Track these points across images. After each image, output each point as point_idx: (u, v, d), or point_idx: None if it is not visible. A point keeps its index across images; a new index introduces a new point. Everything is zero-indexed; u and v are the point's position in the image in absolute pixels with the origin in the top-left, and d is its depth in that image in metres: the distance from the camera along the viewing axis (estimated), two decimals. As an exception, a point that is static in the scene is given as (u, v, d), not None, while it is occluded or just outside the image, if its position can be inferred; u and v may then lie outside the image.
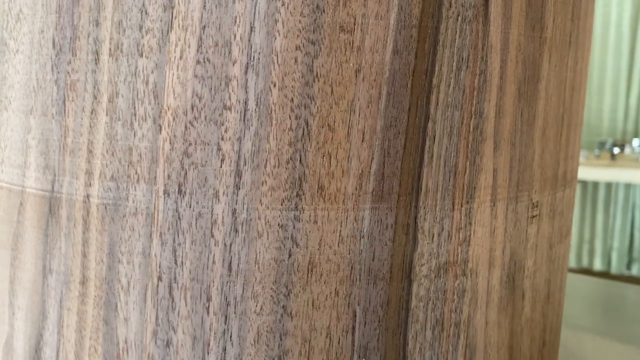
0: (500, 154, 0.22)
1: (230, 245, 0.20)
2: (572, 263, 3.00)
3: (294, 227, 0.20)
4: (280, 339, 0.21)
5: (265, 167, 0.20)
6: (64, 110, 0.21)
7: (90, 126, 0.20)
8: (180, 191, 0.20)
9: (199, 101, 0.19)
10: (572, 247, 3.03)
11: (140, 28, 0.19)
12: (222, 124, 0.19)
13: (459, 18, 0.20)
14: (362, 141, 0.20)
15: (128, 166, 0.20)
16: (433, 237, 0.22)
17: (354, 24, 0.19)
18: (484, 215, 0.22)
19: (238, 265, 0.20)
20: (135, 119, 0.20)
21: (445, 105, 0.21)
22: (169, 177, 0.20)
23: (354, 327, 0.21)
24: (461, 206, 0.22)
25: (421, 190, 0.21)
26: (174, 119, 0.20)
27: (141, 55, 0.20)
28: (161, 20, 0.19)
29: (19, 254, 0.23)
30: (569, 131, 0.26)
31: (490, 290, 0.23)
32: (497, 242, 0.23)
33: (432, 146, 0.21)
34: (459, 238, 0.22)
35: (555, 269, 0.27)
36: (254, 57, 0.19)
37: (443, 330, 0.22)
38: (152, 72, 0.20)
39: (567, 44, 0.24)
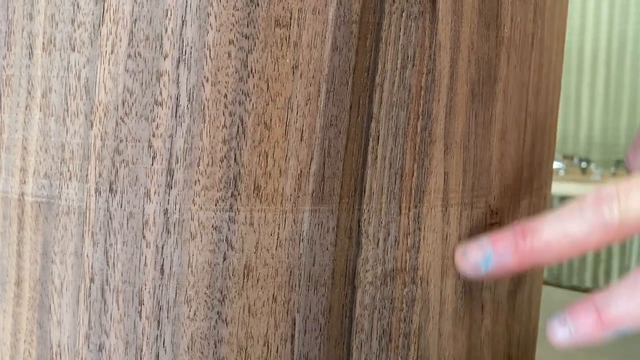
0: (451, 156, 0.21)
1: (162, 247, 0.19)
2: (588, 283, 2.94)
3: (228, 229, 0.19)
4: (215, 347, 0.20)
5: (198, 166, 0.19)
6: (0, 106, 0.20)
7: (25, 122, 0.20)
8: (111, 190, 0.19)
9: (130, 96, 0.19)
10: (588, 266, 2.97)
11: (73, 22, 0.19)
12: (154, 120, 0.19)
13: (404, 14, 0.19)
14: (301, 140, 0.19)
15: (61, 163, 0.20)
16: (378, 242, 0.21)
17: (290, 19, 0.19)
18: (435, 220, 0.21)
19: (170, 268, 0.20)
20: (68, 115, 0.19)
21: (390, 105, 0.20)
22: (100, 174, 0.19)
23: (293, 336, 0.20)
24: (409, 210, 0.21)
25: (365, 192, 0.20)
26: (105, 115, 0.19)
27: (73, 50, 0.19)
28: (93, 14, 0.19)
29: (-40, 254, 0.23)
30: (534, 137, 0.25)
31: (443, 300, 0.22)
32: (451, 250, 0.22)
33: (376, 147, 0.20)
34: (407, 244, 0.21)
35: (521, 280, 0.26)
36: (185, 51, 0.18)
37: (391, 341, 0.21)
38: (84, 66, 0.19)
39: (528, 45, 0.23)
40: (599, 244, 0.18)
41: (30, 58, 0.20)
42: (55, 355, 0.21)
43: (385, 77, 0.20)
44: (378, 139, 0.20)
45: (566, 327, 0.18)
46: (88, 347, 0.20)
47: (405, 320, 0.21)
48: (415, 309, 0.22)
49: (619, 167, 2.94)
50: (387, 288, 0.21)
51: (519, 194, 0.24)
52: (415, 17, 0.20)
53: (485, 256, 0.18)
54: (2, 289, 0.21)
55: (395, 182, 0.20)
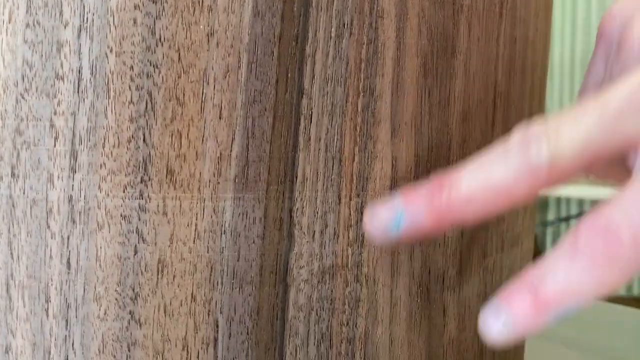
0: (400, 140, 0.19)
1: (68, 238, 0.17)
2: (622, 291, 2.84)
3: (139, 219, 0.17)
4: (129, 350, 0.18)
5: (103, 147, 0.17)
6: None
7: None
8: (13, 174, 0.17)
9: (30, 70, 0.17)
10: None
11: (-31, -12, 0.17)
12: (55, 97, 0.17)
13: (337, -25, 0.17)
14: (220, 118, 0.17)
15: (-38, 146, 0.18)
16: (314, 234, 0.18)
17: (204, -20, 0.16)
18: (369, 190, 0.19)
19: (77, 262, 0.17)
20: (-33, 92, 0.18)
21: (324, 79, 0.18)
22: (1, 158, 0.18)
23: (216, 339, 0.18)
24: (350, 199, 0.18)
25: (297, 178, 0.18)
26: (4, 92, 0.17)
27: (-30, 19, 0.17)
28: (-11, -22, 0.17)
29: None
30: (507, 120, 0.22)
31: (394, 301, 0.20)
32: (402, 245, 0.19)
33: (309, 127, 0.18)
34: (349, 237, 0.19)
35: (495, 282, 0.23)
36: (87, 18, 0.16)
37: (332, 347, 0.19)
38: (-18, 37, 0.17)
39: (495, 15, 0.21)
40: (530, 191, 0.15)
41: None
42: (-37, 357, 0.19)
43: (317, 47, 0.17)
44: (311, 118, 0.18)
45: (500, 318, 0.14)
46: (-5, 348, 0.18)
47: (348, 323, 0.19)
48: (360, 311, 0.19)
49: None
50: (326, 287, 0.19)
51: (488, 184, 0.22)
52: (347, 20, 0.17)
53: (396, 216, 0.15)
54: None
55: (332, 167, 0.18)
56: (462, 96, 0.20)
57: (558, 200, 3.05)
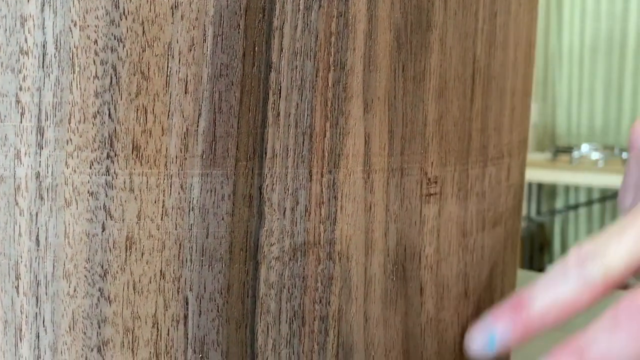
0: (373, 115, 0.18)
1: (37, 215, 0.17)
2: (630, 278, 2.82)
3: (106, 195, 0.17)
4: (99, 327, 0.18)
5: (69, 123, 0.17)
6: None
7: None
8: (-20, 150, 0.17)
9: (-6, 42, 0.17)
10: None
11: None
12: (20, 72, 0.17)
13: (305, -55, 0.17)
14: (185, 93, 0.17)
15: None
16: (285, 211, 0.18)
17: (167, -49, 0.16)
18: (355, 188, 0.19)
19: (46, 239, 0.17)
20: None
21: (293, 53, 0.17)
22: (-32, 134, 0.17)
23: (186, 317, 0.18)
24: (321, 176, 0.18)
25: (266, 154, 0.18)
26: (-30, 67, 0.17)
27: None
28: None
29: None
30: (487, 97, 0.22)
31: (369, 279, 0.19)
32: (377, 222, 0.19)
33: (278, 102, 0.17)
34: (321, 214, 0.18)
35: (476, 261, 0.23)
36: (50, -9, 0.16)
37: (304, 325, 0.19)
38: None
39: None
40: (590, 302, 0.18)
41: None
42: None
43: (286, 19, 0.17)
44: (280, 93, 0.17)
45: None
46: (-32, 326, 0.18)
47: (321, 301, 0.19)
48: (334, 289, 0.19)
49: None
50: (298, 264, 0.18)
51: (466, 161, 0.21)
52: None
53: (489, 338, 0.18)
54: None
55: (303, 142, 0.18)
56: (438, 71, 0.20)
57: (566, 188, 3.03)
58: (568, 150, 2.66)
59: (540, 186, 2.96)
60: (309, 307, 0.19)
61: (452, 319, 0.22)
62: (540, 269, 3.04)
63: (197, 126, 0.17)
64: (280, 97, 0.17)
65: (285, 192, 0.18)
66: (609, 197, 2.89)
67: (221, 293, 0.18)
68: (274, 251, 0.18)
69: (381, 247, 0.19)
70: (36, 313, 0.18)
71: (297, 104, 0.18)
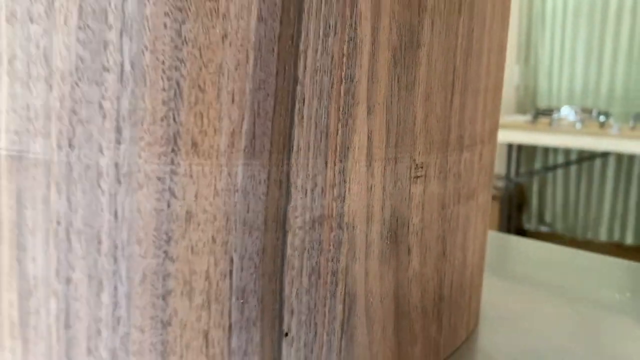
0: (374, 116, 0.24)
1: (115, 195, 0.22)
2: (603, 237, 2.95)
3: (171, 180, 0.22)
4: (164, 280, 0.23)
5: (142, 124, 0.22)
6: (-26, 71, 0.23)
7: (-5, 86, 0.23)
8: (70, 145, 0.22)
9: (82, 63, 0.21)
10: (603, 221, 2.97)
11: (30, -3, 0.21)
12: (103, 84, 0.22)
13: (324, -13, 0.22)
14: (232, 102, 0.22)
15: (27, 122, 0.23)
16: (306, 192, 0.23)
17: (219, -7, 0.21)
18: (360, 173, 0.24)
19: (123, 214, 0.23)
20: (30, 80, 0.22)
21: (314, 70, 0.22)
22: (60, 132, 0.22)
23: (231, 272, 0.23)
24: (334, 164, 0.23)
25: (292, 149, 0.23)
26: (62, 80, 0.22)
27: (32, 22, 0.22)
28: (46, -10, 0.21)
29: (-48, 200, 0.26)
30: (464, 97, 0.27)
31: (369, 243, 0.25)
32: (375, 199, 0.25)
33: (302, 108, 0.22)
34: (333, 194, 0.24)
35: (452, 228, 0.28)
36: (127, 23, 0.21)
37: (320, 278, 0.24)
38: (42, 37, 0.22)
39: (455, 12, 0.25)
40: None
41: (-4, 29, 0.22)
42: (33, 287, 0.24)
43: (309, 45, 0.22)
44: (304, 101, 0.22)
45: None
46: (58, 280, 0.24)
47: (332, 260, 0.24)
48: (342, 251, 0.24)
49: (638, 120, 2.87)
50: (315, 232, 0.24)
51: (446, 149, 0.27)
52: (333, 31, 0.22)
53: None
54: (-14, 230, 0.25)
55: (320, 139, 0.23)
56: (426, 80, 0.25)
57: (545, 150, 3.12)
58: (548, 112, 2.73)
59: (520, 147, 3.04)
60: (324, 264, 0.24)
61: (433, 274, 0.28)
62: (518, 227, 3.15)
63: (241, 128, 0.22)
64: (304, 104, 0.22)
65: (307, 177, 0.23)
66: (585, 158, 2.99)
67: (258, 254, 0.23)
68: (298, 222, 0.23)
69: (378, 218, 0.25)
70: (114, 270, 0.23)
71: (317, 110, 0.23)
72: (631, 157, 2.88)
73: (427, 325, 0.28)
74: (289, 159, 0.23)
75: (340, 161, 0.24)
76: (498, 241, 0.54)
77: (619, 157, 2.90)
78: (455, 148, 0.27)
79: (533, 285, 0.42)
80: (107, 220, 0.23)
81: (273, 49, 0.22)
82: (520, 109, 3.18)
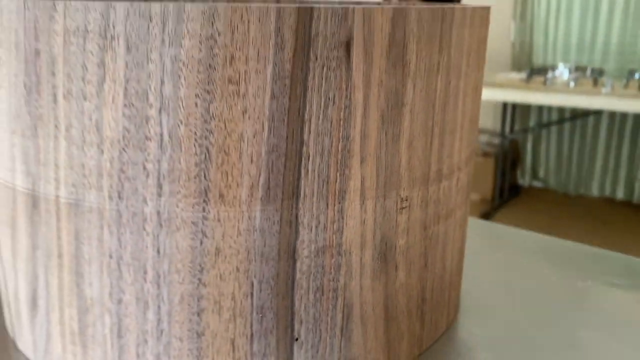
0: (366, 165, 0.29)
1: (158, 236, 0.28)
2: (595, 192, 3.04)
3: (203, 224, 0.28)
4: (198, 301, 0.29)
5: (179, 182, 0.27)
6: (36, 134, 0.28)
7: (54, 148, 0.28)
8: (119, 197, 0.28)
9: (128, 133, 0.26)
10: (595, 177, 3.05)
11: (83, 79, 0.26)
12: (145, 150, 0.27)
13: (324, 67, 0.26)
14: (251, 162, 0.27)
15: (82, 177, 0.28)
16: (312, 228, 0.29)
17: (239, 78, 0.26)
18: (354, 211, 0.29)
19: (164, 250, 0.28)
20: (85, 145, 0.27)
21: (317, 133, 0.27)
22: (110, 186, 0.27)
23: (252, 293, 0.29)
24: (334, 205, 0.29)
25: (300, 196, 0.28)
26: (111, 146, 0.27)
27: (85, 99, 0.26)
28: (97, 75, 0.26)
29: (16, 231, 0.31)
30: (442, 138, 0.32)
31: (363, 264, 0.31)
32: (368, 230, 0.30)
33: (307, 164, 0.28)
34: (333, 229, 0.29)
35: (433, 244, 0.34)
36: (165, 102, 0.26)
37: (323, 295, 0.30)
38: (94, 111, 0.27)
39: (434, 72, 0.30)
40: None
41: (55, 103, 0.27)
42: (90, 305, 0.30)
43: (312, 114, 0.27)
44: (309, 158, 0.27)
45: None
46: (111, 301, 0.29)
47: (333, 280, 0.30)
48: (341, 272, 0.30)
49: (632, 77, 2.89)
50: (319, 259, 0.29)
51: (427, 182, 0.32)
52: (334, 68, 0.27)
53: None
54: (49, 259, 0.30)
55: (322, 187, 0.28)
56: (409, 131, 0.30)
57: (539, 107, 3.16)
58: (542, 71, 2.75)
59: (514, 105, 3.07)
60: (326, 284, 0.30)
61: (416, 283, 0.34)
62: (512, 183, 3.23)
63: (258, 182, 0.27)
64: (309, 161, 0.28)
65: (312, 217, 0.29)
66: (579, 115, 3.03)
67: (273, 279, 0.29)
68: (305, 253, 0.29)
69: (370, 244, 0.30)
70: (158, 293, 0.29)
71: (319, 164, 0.28)
72: (623, 115, 2.93)
73: (412, 324, 0.34)
74: (297, 203, 0.28)
75: (339, 202, 0.29)
76: (476, 227, 0.60)
77: (612, 114, 2.94)
78: (435, 180, 0.32)
79: (508, 272, 0.48)
80: (152, 255, 0.28)
81: (284, 120, 0.27)
82: (516, 66, 3.19)
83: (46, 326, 0.32)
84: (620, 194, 2.98)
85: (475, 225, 0.58)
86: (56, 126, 0.28)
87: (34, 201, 0.30)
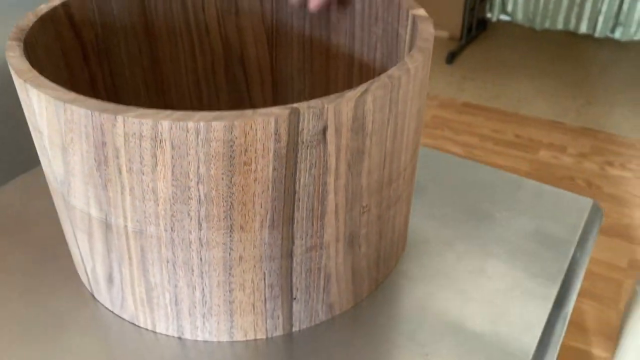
0: (338, 195, 0.42)
1: (200, 251, 0.42)
2: (560, 26, 3.11)
3: (230, 243, 0.41)
4: (230, 285, 0.44)
5: (212, 222, 0.40)
6: (107, 191, 0.40)
7: (122, 200, 0.40)
8: (172, 229, 0.41)
9: (176, 195, 0.39)
10: (561, 10, 3.10)
11: (141, 162, 0.38)
12: (188, 204, 0.39)
13: (308, 147, 0.38)
14: (261, 207, 0.40)
15: (144, 217, 0.40)
16: (302, 239, 0.43)
17: (251, 161, 0.37)
18: (331, 223, 0.43)
19: (205, 258, 0.42)
20: (145, 199, 0.39)
21: (304, 185, 0.40)
22: (165, 224, 0.40)
23: (264, 278, 0.44)
24: (317, 223, 0.42)
25: (294, 222, 0.41)
26: (163, 201, 0.39)
27: (143, 174, 0.38)
28: (151, 161, 0.37)
29: (92, 238, 0.45)
30: (392, 161, 0.45)
31: (337, 251, 0.45)
32: (340, 232, 0.44)
33: (299, 204, 0.41)
34: (317, 236, 0.43)
35: (385, 224, 0.48)
36: (200, 178, 0.38)
37: (311, 272, 0.45)
38: (150, 182, 0.38)
39: (385, 127, 0.42)
40: None
41: (120, 174, 0.39)
42: (154, 287, 0.45)
43: (301, 175, 0.39)
44: (299, 200, 0.40)
45: None
46: (170, 285, 0.44)
47: (317, 263, 0.45)
48: (322, 258, 0.45)
49: None
50: (308, 254, 0.44)
51: (381, 190, 0.45)
52: (315, 146, 0.38)
53: None
54: (122, 259, 0.44)
55: (309, 214, 0.42)
56: (367, 167, 0.42)
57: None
58: None
59: (485, -62, 2.99)
60: (313, 267, 0.45)
61: (374, 252, 0.49)
62: (481, 17, 3.26)
63: (266, 218, 0.40)
64: (299, 201, 0.40)
65: (302, 232, 0.42)
66: (547, -51, 2.97)
67: (278, 269, 0.44)
68: (298, 252, 0.43)
69: (342, 238, 0.45)
70: (201, 282, 0.43)
71: (306, 202, 0.41)
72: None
73: (370, 273, 0.50)
74: (292, 227, 0.42)
75: (320, 220, 0.42)
76: (429, 159, 0.74)
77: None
78: (387, 186, 0.46)
79: (449, 206, 0.64)
80: (197, 262, 0.42)
81: (282, 181, 0.39)
82: None
83: (121, 294, 0.47)
84: (583, 28, 3.07)
85: (424, 155, 0.72)
86: (122, 187, 0.39)
87: (107, 226, 0.43)
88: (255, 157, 0.37)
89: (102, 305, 0.51)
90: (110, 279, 0.47)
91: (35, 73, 0.40)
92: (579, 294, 1.48)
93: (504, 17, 3.21)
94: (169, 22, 0.64)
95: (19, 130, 0.76)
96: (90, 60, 0.58)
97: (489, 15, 3.24)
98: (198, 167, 0.37)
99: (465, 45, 3.01)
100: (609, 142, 2.11)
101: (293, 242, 0.43)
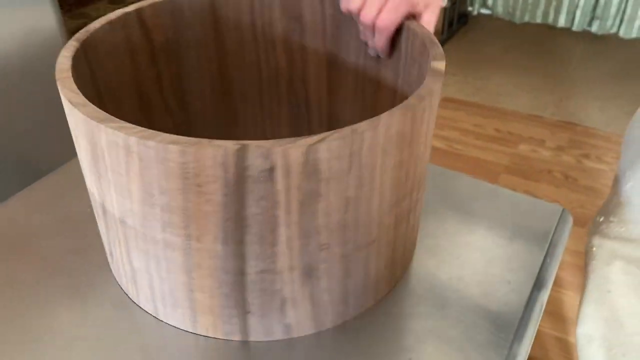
0: (291, 229, 0.45)
1: (165, 251, 0.47)
2: (539, 19, 2.88)
3: (189, 250, 0.46)
4: (191, 287, 0.49)
5: (174, 228, 0.45)
6: (100, 182, 0.47)
7: (109, 191, 0.47)
8: (143, 226, 0.46)
9: (144, 199, 0.44)
10: (540, 4, 2.89)
11: (118, 165, 0.44)
12: (154, 209, 0.45)
13: (255, 182, 0.41)
14: (213, 225, 0.44)
15: (124, 210, 0.47)
16: (254, 260, 0.46)
17: (203, 184, 0.42)
18: (283, 252, 0.46)
19: (170, 259, 0.47)
20: (123, 196, 0.46)
21: (254, 214, 0.43)
22: (140, 220, 0.46)
23: (221, 287, 0.48)
24: (269, 250, 0.46)
25: (245, 243, 0.45)
26: (137, 201, 0.45)
27: (121, 175, 0.44)
28: (125, 165, 0.43)
29: (100, 224, 0.52)
30: (357, 207, 0.46)
31: (293, 279, 0.48)
32: (294, 261, 0.47)
33: (250, 230, 0.44)
34: (269, 261, 0.46)
35: (355, 264, 0.50)
36: (162, 188, 0.43)
37: (265, 292, 0.48)
38: (126, 183, 0.44)
39: (345, 173, 0.43)
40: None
41: (106, 170, 0.45)
42: (136, 270, 0.51)
43: (249, 204, 0.42)
44: (249, 225, 0.44)
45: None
46: (147, 271, 0.50)
47: (271, 286, 0.48)
48: (276, 283, 0.48)
49: None
50: (260, 275, 0.47)
51: (344, 231, 0.47)
52: (261, 182, 0.41)
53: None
54: (115, 244, 0.51)
55: (260, 239, 0.45)
56: (325, 209, 0.44)
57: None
58: None
59: None
60: (268, 288, 0.48)
61: (337, 286, 0.50)
62: (462, 11, 3.00)
63: (219, 236, 0.44)
64: (249, 226, 0.44)
65: (253, 254, 0.46)
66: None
67: (231, 282, 0.47)
68: (251, 271, 0.47)
69: (297, 268, 0.47)
70: (167, 277, 0.49)
71: (255, 228, 0.44)
72: None
73: (336, 308, 0.52)
74: (243, 247, 0.45)
75: (272, 248, 0.45)
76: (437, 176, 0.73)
77: None
78: (352, 229, 0.47)
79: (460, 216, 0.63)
80: (163, 259, 0.48)
81: (232, 207, 0.43)
82: None
83: (118, 269, 0.55)
84: (562, 22, 2.81)
85: (431, 172, 0.71)
86: (108, 182, 0.46)
87: (103, 210, 0.50)
88: (206, 182, 0.41)
89: (114, 276, 0.59)
90: (111, 254, 0.55)
91: (67, 74, 0.48)
92: (557, 285, 1.48)
93: (484, 11, 3.02)
94: (239, 33, 0.70)
95: (20, 145, 0.82)
96: (159, 59, 0.66)
97: (469, 9, 3.04)
98: (159, 179, 0.42)
99: (446, 39, 2.97)
100: (585, 136, 2.12)
101: (245, 262, 0.46)
